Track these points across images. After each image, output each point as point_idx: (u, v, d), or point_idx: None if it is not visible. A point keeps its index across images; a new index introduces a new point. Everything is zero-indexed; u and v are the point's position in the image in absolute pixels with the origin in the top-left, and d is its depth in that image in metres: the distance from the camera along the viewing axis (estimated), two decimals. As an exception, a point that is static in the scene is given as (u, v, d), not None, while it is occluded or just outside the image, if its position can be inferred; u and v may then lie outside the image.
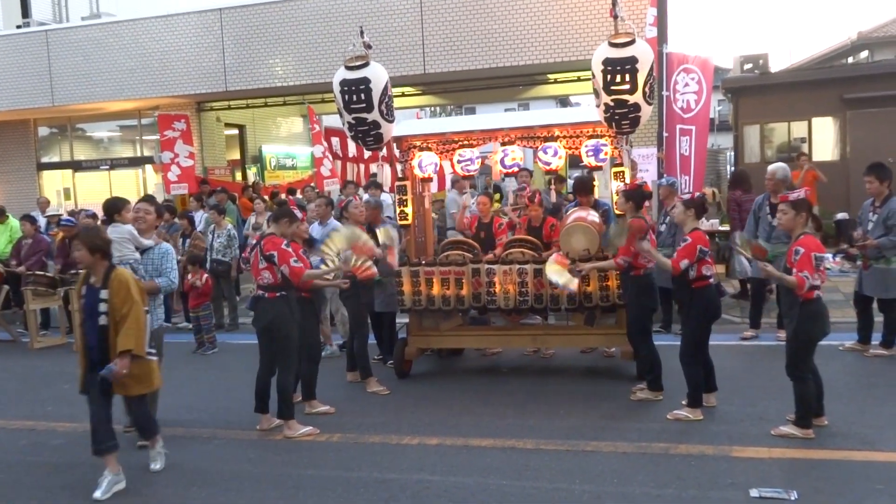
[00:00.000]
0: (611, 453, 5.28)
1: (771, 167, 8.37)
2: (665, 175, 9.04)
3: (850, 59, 22.95)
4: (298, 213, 6.42)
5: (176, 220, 11.17)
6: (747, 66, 18.46)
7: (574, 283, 6.52)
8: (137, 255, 5.90)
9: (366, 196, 9.82)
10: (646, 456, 5.21)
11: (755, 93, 16.06)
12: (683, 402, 5.95)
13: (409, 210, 7.59)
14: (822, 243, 5.45)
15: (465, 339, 7.88)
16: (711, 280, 5.87)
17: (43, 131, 18.42)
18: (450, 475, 5.06)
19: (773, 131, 16.35)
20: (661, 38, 9.28)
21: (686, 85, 8.97)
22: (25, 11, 20.05)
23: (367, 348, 7.35)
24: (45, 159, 18.32)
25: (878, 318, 7.48)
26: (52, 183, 17.98)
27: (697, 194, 6.30)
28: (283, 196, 12.55)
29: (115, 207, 6.07)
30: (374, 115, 6.85)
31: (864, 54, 22.39)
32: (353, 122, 6.96)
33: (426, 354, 8.04)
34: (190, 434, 6.22)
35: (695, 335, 5.90)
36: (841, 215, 12.98)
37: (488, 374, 7.68)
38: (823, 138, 15.66)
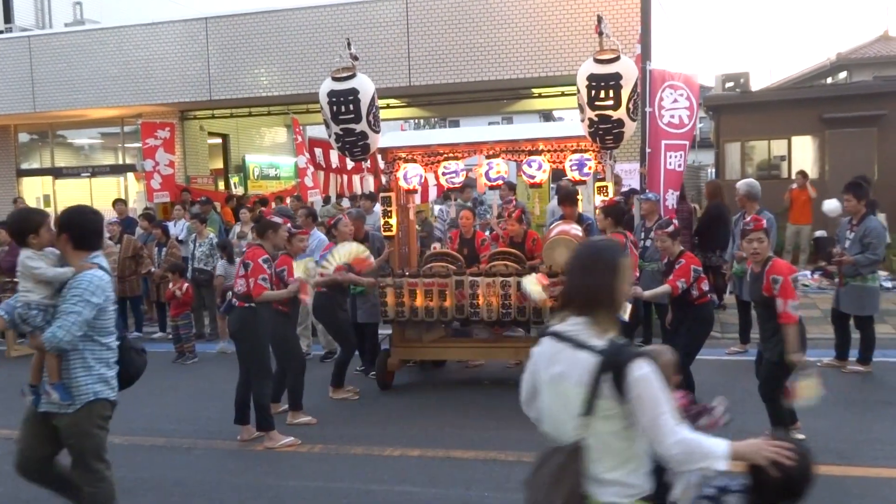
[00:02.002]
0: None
1: (737, 184, 8.57)
2: (648, 190, 9.12)
3: (829, 80, 23.31)
4: (279, 220, 6.40)
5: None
6: (729, 85, 18.74)
7: (543, 298, 6.62)
8: (34, 295, 3.90)
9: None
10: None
11: (736, 111, 16.29)
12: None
13: (393, 221, 7.61)
14: (795, 262, 5.58)
15: (448, 351, 7.89)
16: (710, 296, 6.00)
17: (23, 137, 18.25)
18: (432, 486, 5.06)
19: (753, 149, 16.58)
20: (645, 55, 9.38)
21: (675, 101, 9.04)
22: (8, 17, 19.90)
23: (349, 362, 7.36)
24: (24, 166, 18.15)
25: (856, 336, 7.57)
26: (32, 190, 17.78)
27: (676, 222, 6.45)
28: (260, 209, 12.52)
29: (28, 226, 4.00)
30: (363, 126, 6.88)
31: (843, 75, 22.76)
32: (340, 132, 6.97)
33: (408, 366, 8.04)
34: (170, 444, 6.17)
35: (688, 348, 5.98)
36: (819, 233, 13.14)
37: (470, 386, 7.69)
38: (802, 157, 15.89)
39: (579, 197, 8.04)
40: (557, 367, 2.47)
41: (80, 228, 3.95)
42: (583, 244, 2.86)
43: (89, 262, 3.91)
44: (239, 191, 17.45)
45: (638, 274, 6.62)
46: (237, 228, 11.48)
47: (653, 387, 2.34)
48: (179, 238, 11.24)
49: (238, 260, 6.26)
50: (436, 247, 9.58)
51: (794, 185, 13.08)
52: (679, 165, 9.07)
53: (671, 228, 6.12)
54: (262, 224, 6.29)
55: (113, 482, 4.07)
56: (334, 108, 6.86)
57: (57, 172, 17.84)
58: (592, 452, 2.41)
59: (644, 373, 2.33)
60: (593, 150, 7.13)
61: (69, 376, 3.85)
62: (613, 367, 2.34)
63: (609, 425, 2.38)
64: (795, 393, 4.93)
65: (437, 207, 13.78)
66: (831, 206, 10.29)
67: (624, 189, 10.36)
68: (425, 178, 8.66)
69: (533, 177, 7.54)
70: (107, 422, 4.03)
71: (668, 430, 2.33)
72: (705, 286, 5.96)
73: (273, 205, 13.54)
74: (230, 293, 6.34)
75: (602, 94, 6.31)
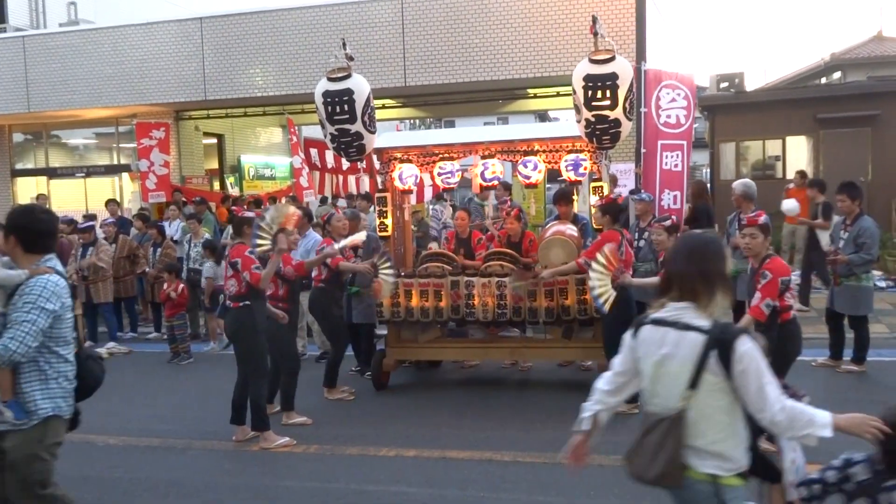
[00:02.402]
0: (587, 466, 5.30)
1: (734, 184, 8.57)
2: (643, 190, 9.13)
3: (823, 80, 23.37)
4: (251, 214, 6.45)
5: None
6: (723, 85, 18.75)
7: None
8: None
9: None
10: (622, 468, 5.23)
11: (731, 111, 16.32)
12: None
13: (388, 221, 7.61)
14: (790, 262, 5.57)
15: (444, 352, 7.90)
16: None
17: (17, 138, 18.19)
18: (427, 487, 5.06)
19: (748, 149, 16.61)
20: (640, 56, 9.40)
21: (673, 100, 9.03)
22: (2, 17, 19.82)
23: (340, 361, 7.35)
24: (19, 166, 18.09)
25: (850, 335, 7.59)
26: (27, 190, 17.72)
27: (674, 218, 6.44)
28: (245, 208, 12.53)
29: None
30: (357, 127, 6.87)
31: (837, 75, 22.81)
32: (335, 133, 6.96)
33: (404, 366, 8.04)
34: (165, 445, 6.16)
35: None
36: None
37: (466, 387, 7.69)
38: (797, 157, 15.93)
39: (575, 197, 8.05)
40: (664, 349, 2.69)
41: (30, 230, 3.59)
42: (686, 236, 3.13)
43: (43, 265, 3.56)
44: (235, 191, 17.43)
45: (632, 273, 6.61)
46: (230, 229, 11.46)
47: (757, 359, 2.56)
48: (174, 238, 11.23)
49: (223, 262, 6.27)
50: (432, 247, 9.58)
51: (792, 185, 13.09)
52: (676, 165, 9.05)
53: (669, 223, 6.12)
54: (237, 222, 6.33)
55: (64, 495, 3.72)
56: (329, 108, 6.85)
57: (51, 173, 17.79)
58: (696, 426, 2.62)
59: (749, 347, 2.56)
60: (589, 151, 7.14)
61: (22, 391, 3.47)
62: (720, 343, 2.57)
63: (714, 399, 2.60)
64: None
65: (431, 207, 13.79)
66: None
67: (627, 189, 10.38)
68: (421, 178, 8.67)
69: (528, 177, 7.55)
70: (57, 448, 3.63)
71: (773, 398, 2.55)
72: None
73: (267, 205, 13.55)
74: (222, 295, 6.34)
75: (599, 95, 6.32)
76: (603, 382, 3.00)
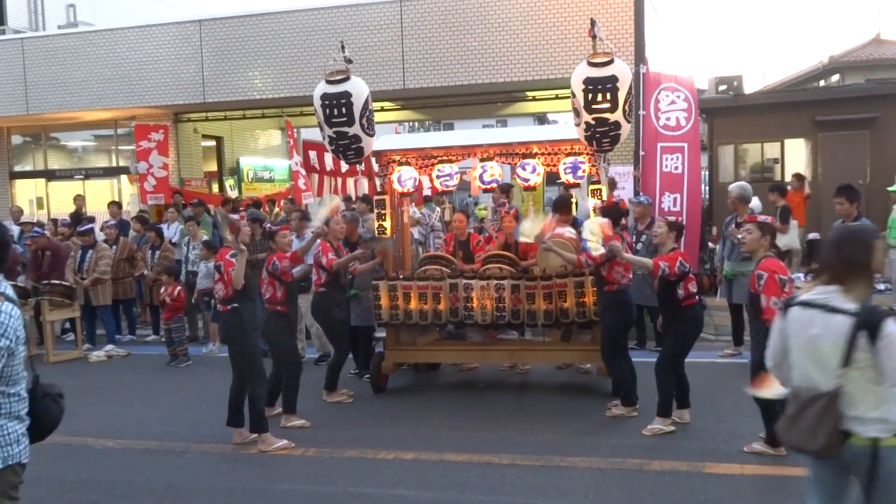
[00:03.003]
0: (586, 469, 5.31)
1: (730, 187, 8.61)
2: (641, 193, 9.13)
3: (822, 83, 23.38)
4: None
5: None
6: (722, 88, 18.74)
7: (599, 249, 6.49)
8: None
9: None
10: (620, 472, 5.25)
11: (729, 114, 16.31)
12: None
13: (387, 224, 7.61)
14: (788, 265, 5.54)
15: (442, 354, 7.89)
16: (697, 297, 5.98)
17: (16, 139, 18.18)
18: (426, 490, 5.06)
19: (746, 152, 16.59)
20: (639, 58, 9.40)
21: (672, 103, 9.02)
22: (1, 18, 19.82)
23: (342, 365, 7.34)
24: (17, 168, 18.07)
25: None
26: (25, 192, 17.72)
27: (679, 219, 6.43)
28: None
29: None
30: (356, 129, 6.86)
31: (836, 78, 22.83)
32: (333, 135, 6.96)
33: (403, 369, 8.04)
34: (163, 447, 6.15)
35: (675, 349, 5.99)
36: (812, 235, 13.18)
37: (465, 390, 7.69)
38: (795, 159, 15.93)
39: (573, 200, 8.05)
40: (812, 330, 2.97)
41: None
42: (838, 227, 3.56)
43: None
44: (234, 194, 17.42)
45: (630, 276, 6.61)
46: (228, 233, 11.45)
47: None
48: (173, 241, 11.22)
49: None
50: (429, 250, 9.57)
51: (789, 187, 13.10)
52: (676, 168, 9.05)
53: (673, 218, 6.13)
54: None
55: None
56: (327, 111, 6.84)
57: (50, 175, 17.77)
58: (852, 397, 2.91)
59: (894, 328, 2.86)
60: (587, 153, 7.15)
61: None
62: (869, 325, 2.86)
63: (866, 374, 2.90)
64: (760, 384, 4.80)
65: (424, 210, 13.77)
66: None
67: (625, 192, 10.40)
68: (420, 181, 8.67)
69: (527, 180, 7.55)
70: (17, 490, 3.11)
71: None
72: (692, 287, 5.91)
73: (266, 207, 13.59)
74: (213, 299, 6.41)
75: (599, 98, 6.31)
76: (768, 360, 3.28)
